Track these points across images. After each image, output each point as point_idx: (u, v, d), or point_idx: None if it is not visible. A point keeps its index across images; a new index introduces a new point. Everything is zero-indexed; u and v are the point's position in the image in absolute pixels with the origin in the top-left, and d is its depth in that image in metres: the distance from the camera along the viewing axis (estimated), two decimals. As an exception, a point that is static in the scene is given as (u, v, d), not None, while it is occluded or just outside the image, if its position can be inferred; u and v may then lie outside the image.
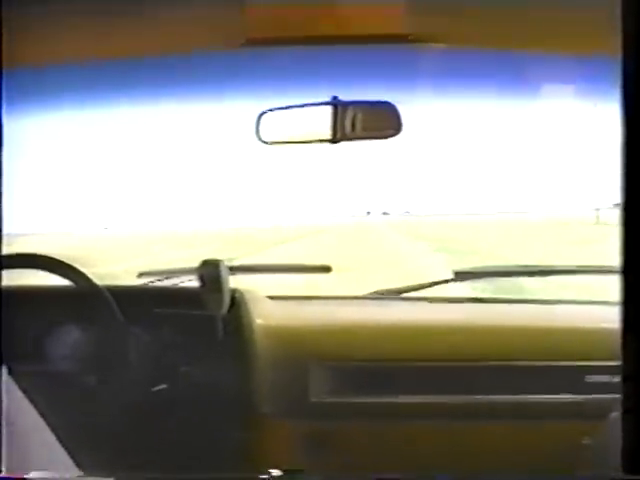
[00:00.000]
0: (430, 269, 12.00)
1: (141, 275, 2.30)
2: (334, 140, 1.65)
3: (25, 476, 0.84)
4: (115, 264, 12.36)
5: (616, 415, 1.16)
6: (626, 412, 0.72)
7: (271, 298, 2.07)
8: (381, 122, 1.66)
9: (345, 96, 1.65)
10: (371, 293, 2.23)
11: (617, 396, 1.22)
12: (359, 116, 1.64)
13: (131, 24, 1.44)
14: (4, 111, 1.19)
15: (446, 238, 26.29)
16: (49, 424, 0.90)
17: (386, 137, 1.67)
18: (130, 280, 2.51)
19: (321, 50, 1.64)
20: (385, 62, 1.79)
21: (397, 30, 1.46)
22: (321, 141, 1.67)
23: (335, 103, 1.64)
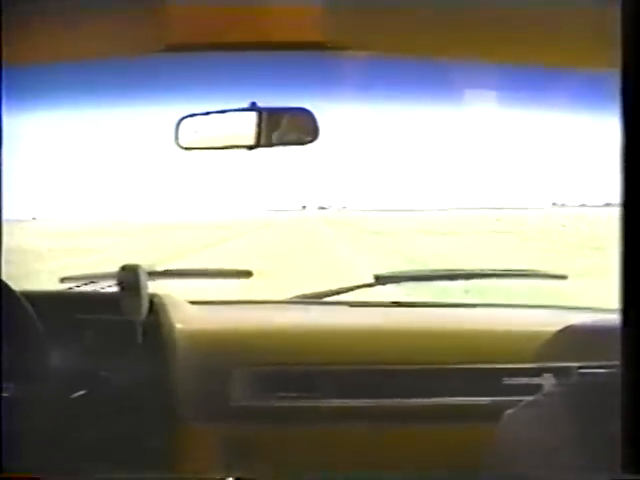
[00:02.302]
0: (356, 270, 12.07)
1: (63, 280, 2.27)
2: (251, 146, 1.67)
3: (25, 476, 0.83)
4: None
5: (512, 412, 1.21)
6: (626, 412, 0.73)
7: (192, 303, 2.07)
8: (298, 129, 1.68)
9: (264, 103, 1.67)
10: (292, 297, 2.25)
11: (534, 397, 1.27)
12: (277, 123, 1.67)
13: (48, 30, 1.42)
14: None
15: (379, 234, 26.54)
16: None
17: (303, 143, 1.70)
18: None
19: (240, 56, 1.65)
20: (305, 68, 1.81)
21: (315, 37, 1.48)
22: (238, 147, 1.69)
23: (253, 110, 1.66)
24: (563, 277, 2.28)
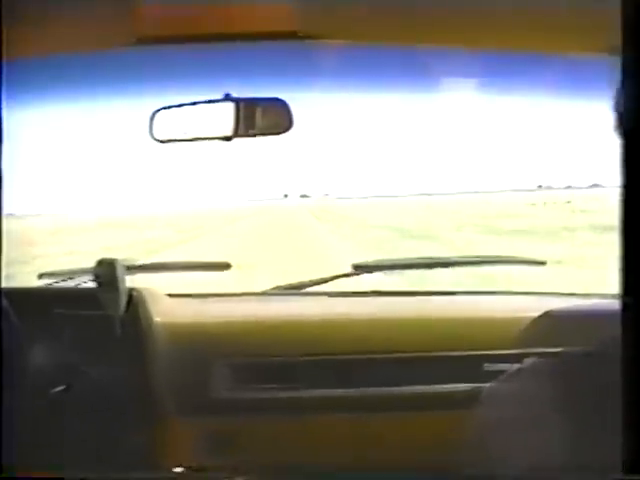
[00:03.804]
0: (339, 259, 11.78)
1: (41, 276, 2.26)
2: (227, 137, 1.67)
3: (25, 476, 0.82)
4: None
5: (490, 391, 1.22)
6: (626, 412, 0.72)
7: (170, 296, 2.06)
8: (273, 119, 1.68)
9: (239, 94, 1.66)
10: (272, 289, 2.24)
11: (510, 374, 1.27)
12: (252, 113, 1.66)
13: (16, 24, 1.41)
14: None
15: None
16: None
17: (277, 133, 1.70)
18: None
19: (213, 48, 1.64)
20: (279, 58, 1.80)
21: (288, 27, 1.48)
22: (215, 139, 1.69)
23: (227, 100, 1.65)
24: (542, 263, 2.29)
